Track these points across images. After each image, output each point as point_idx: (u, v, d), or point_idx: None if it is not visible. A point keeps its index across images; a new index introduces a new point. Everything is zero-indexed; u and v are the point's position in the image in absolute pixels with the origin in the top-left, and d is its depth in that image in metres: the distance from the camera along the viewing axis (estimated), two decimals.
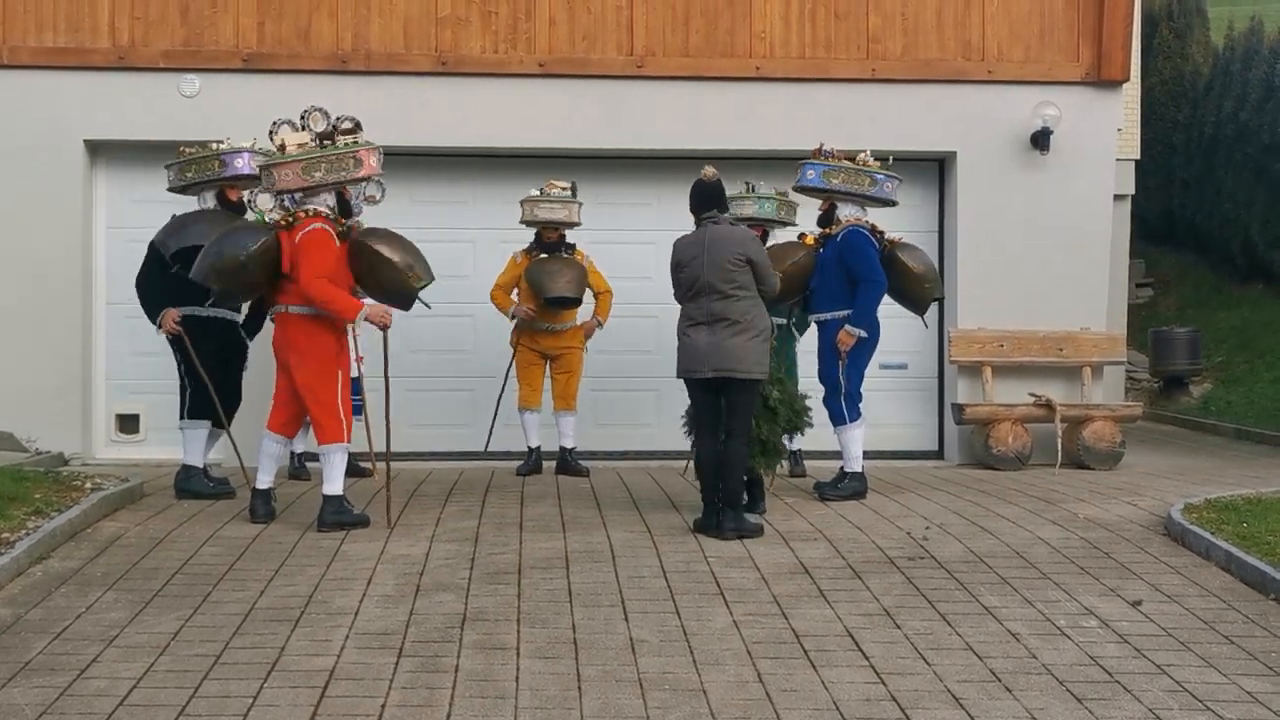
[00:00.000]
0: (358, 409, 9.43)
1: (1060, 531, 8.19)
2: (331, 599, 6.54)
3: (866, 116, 11.54)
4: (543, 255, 10.43)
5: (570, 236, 10.63)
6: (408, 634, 5.99)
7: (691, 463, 9.23)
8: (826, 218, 9.59)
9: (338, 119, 8.28)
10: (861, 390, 9.39)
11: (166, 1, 11.15)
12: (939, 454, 12.01)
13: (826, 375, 9.41)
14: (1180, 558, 7.52)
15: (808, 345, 10.09)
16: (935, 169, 12.07)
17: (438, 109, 11.32)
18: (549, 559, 7.39)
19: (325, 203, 8.23)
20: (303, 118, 8.27)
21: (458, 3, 11.35)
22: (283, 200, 8.37)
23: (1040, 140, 11.57)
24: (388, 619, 6.22)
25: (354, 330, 8.21)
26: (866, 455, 9.54)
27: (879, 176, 9.45)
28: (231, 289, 8.37)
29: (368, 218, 9.23)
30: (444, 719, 5.00)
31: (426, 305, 8.50)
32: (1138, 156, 16.68)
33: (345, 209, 8.31)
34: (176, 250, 8.86)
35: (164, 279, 8.95)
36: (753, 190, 10.31)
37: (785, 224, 10.44)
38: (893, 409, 11.88)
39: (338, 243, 8.16)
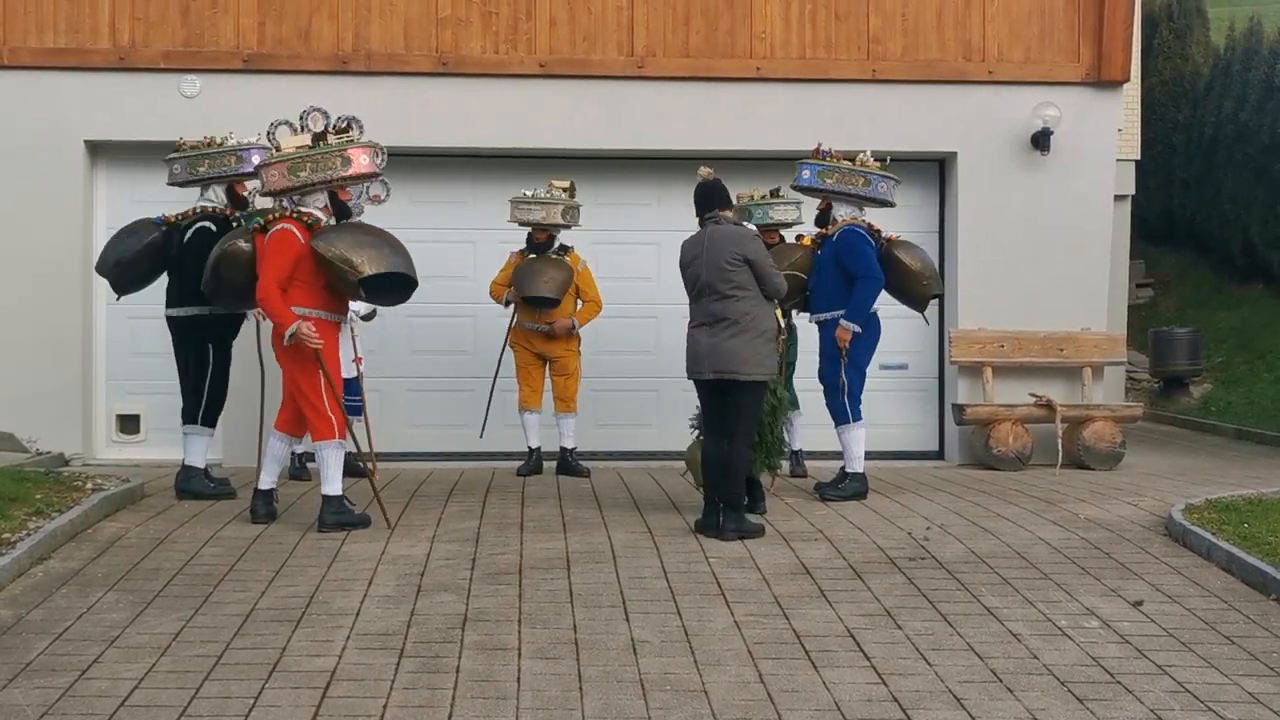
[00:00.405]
0: (357, 409, 9.45)
1: (1061, 532, 8.19)
2: (332, 599, 6.54)
3: (867, 117, 11.54)
4: (531, 256, 10.43)
5: (572, 238, 10.62)
6: (409, 635, 5.99)
7: (686, 463, 9.24)
8: (823, 218, 9.62)
9: (337, 119, 8.26)
10: (861, 392, 9.40)
11: (167, 2, 11.15)
12: (939, 454, 12.01)
13: (827, 375, 9.41)
14: (1181, 558, 7.52)
15: (807, 345, 10.09)
16: (936, 169, 12.07)
17: (438, 109, 11.32)
18: (550, 559, 7.39)
19: (317, 204, 8.20)
20: (302, 118, 8.26)
21: (458, 3, 11.35)
22: (281, 201, 8.37)
23: (1040, 140, 11.57)
24: (389, 619, 6.22)
25: (352, 331, 8.19)
26: (867, 455, 9.54)
27: (873, 177, 9.46)
28: (218, 293, 8.48)
29: (372, 217, 9.25)
30: (445, 719, 5.00)
31: (359, 317, 8.77)
32: (1138, 157, 16.68)
33: (342, 210, 8.26)
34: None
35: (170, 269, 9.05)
36: (780, 194, 10.31)
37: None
38: (893, 409, 11.88)
39: (301, 241, 8.01)
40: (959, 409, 11.43)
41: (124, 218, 11.21)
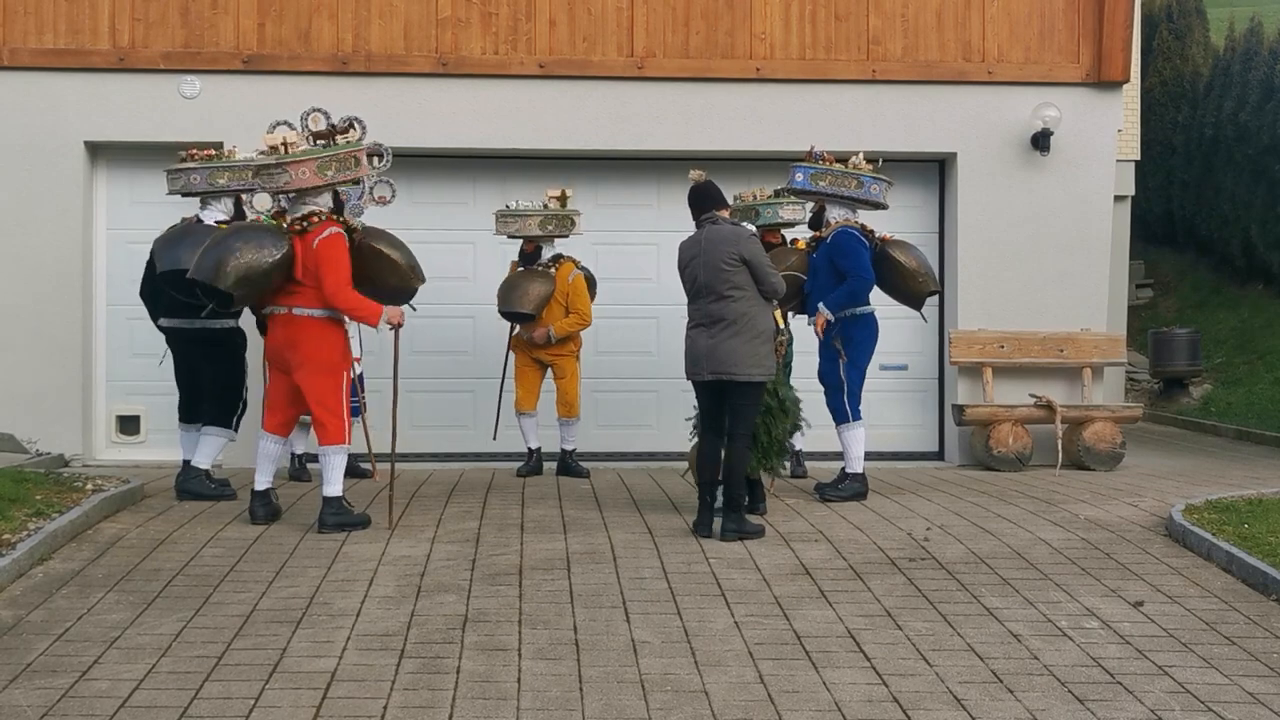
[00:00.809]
0: (356, 410, 9.45)
1: (1061, 532, 8.19)
2: (333, 600, 6.54)
3: (867, 118, 11.55)
4: (522, 268, 10.45)
5: (574, 238, 10.60)
6: (409, 635, 5.99)
7: (688, 464, 9.25)
8: (816, 220, 9.65)
9: (340, 119, 8.27)
10: (861, 392, 9.41)
11: (167, 3, 11.15)
12: (939, 455, 12.01)
13: (827, 375, 9.43)
14: (1181, 559, 7.53)
15: (807, 346, 10.09)
16: (936, 170, 12.08)
17: (438, 110, 11.32)
18: (550, 560, 7.39)
19: (326, 203, 8.21)
20: (303, 119, 8.26)
21: (458, 4, 11.35)
22: (279, 201, 8.35)
23: (1040, 141, 11.58)
24: (389, 620, 6.22)
25: (358, 331, 8.21)
26: (867, 456, 9.55)
27: (866, 179, 9.47)
28: (250, 294, 8.14)
29: (373, 218, 9.25)
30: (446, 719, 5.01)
31: (413, 308, 8.61)
32: (1137, 157, 16.70)
33: (339, 209, 8.28)
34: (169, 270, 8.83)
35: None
36: (784, 193, 10.32)
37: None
38: (893, 410, 11.89)
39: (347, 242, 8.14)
40: (959, 410, 11.43)
41: (124, 218, 11.28)
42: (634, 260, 11.71)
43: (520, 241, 10.56)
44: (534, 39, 11.41)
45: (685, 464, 9.17)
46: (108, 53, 11.12)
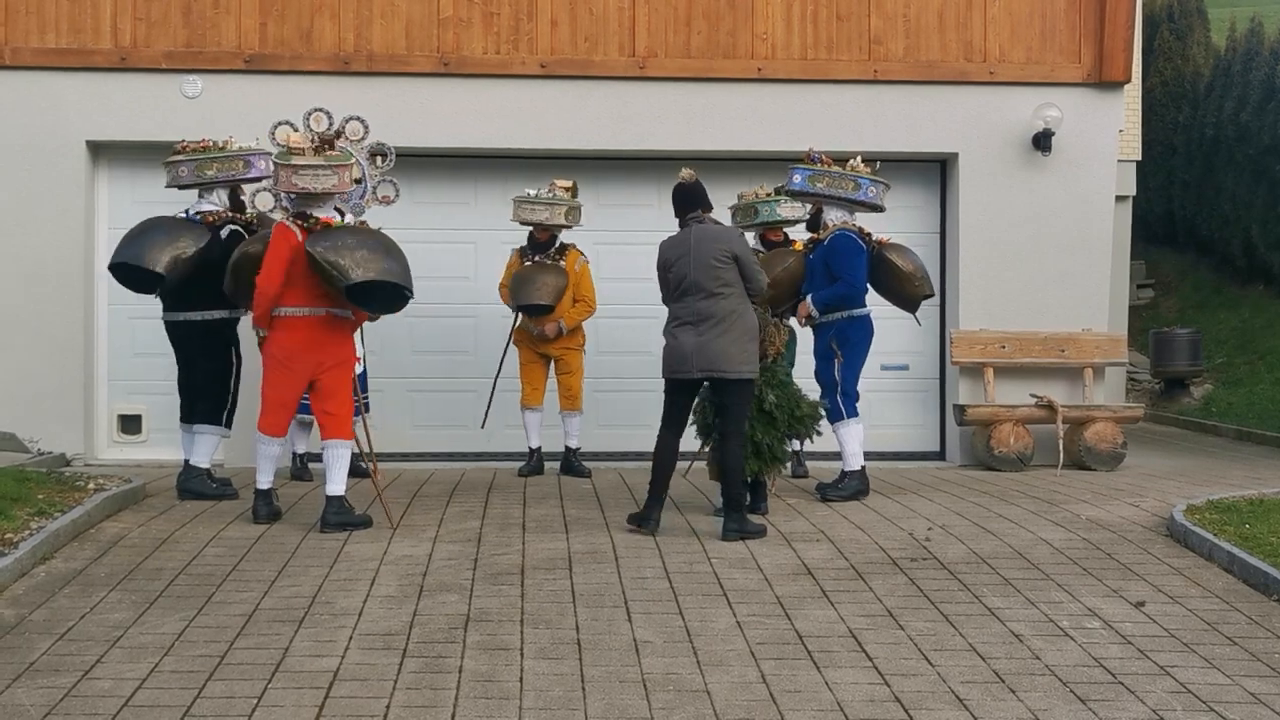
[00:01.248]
0: (357, 409, 9.45)
1: (1062, 533, 8.19)
2: (335, 600, 6.54)
3: (868, 118, 11.55)
4: (533, 258, 10.41)
5: (573, 238, 10.62)
6: (411, 635, 5.99)
7: (691, 464, 9.25)
8: (814, 222, 9.67)
9: (343, 120, 8.28)
10: (859, 390, 9.41)
11: (168, 3, 11.15)
12: (940, 455, 12.01)
13: (822, 375, 9.45)
14: (1183, 559, 7.53)
15: (809, 346, 10.09)
16: (937, 170, 12.08)
17: (439, 110, 11.32)
18: (552, 560, 7.40)
19: (331, 210, 8.22)
20: (305, 119, 8.27)
21: (459, 4, 11.35)
22: (281, 200, 8.37)
23: (1042, 141, 11.58)
24: (391, 620, 6.22)
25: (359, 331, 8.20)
26: (868, 456, 9.56)
27: (863, 181, 9.48)
28: (239, 294, 8.46)
29: (376, 217, 9.25)
30: (448, 719, 5.02)
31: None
32: (1138, 158, 16.70)
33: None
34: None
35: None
36: (782, 193, 10.32)
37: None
38: (894, 410, 11.90)
39: (298, 238, 7.98)
40: (960, 410, 11.43)
41: (125, 218, 11.21)
42: (635, 260, 11.66)
43: (528, 230, 10.54)
44: (535, 39, 11.41)
45: (687, 464, 9.16)
46: (109, 52, 11.13)
